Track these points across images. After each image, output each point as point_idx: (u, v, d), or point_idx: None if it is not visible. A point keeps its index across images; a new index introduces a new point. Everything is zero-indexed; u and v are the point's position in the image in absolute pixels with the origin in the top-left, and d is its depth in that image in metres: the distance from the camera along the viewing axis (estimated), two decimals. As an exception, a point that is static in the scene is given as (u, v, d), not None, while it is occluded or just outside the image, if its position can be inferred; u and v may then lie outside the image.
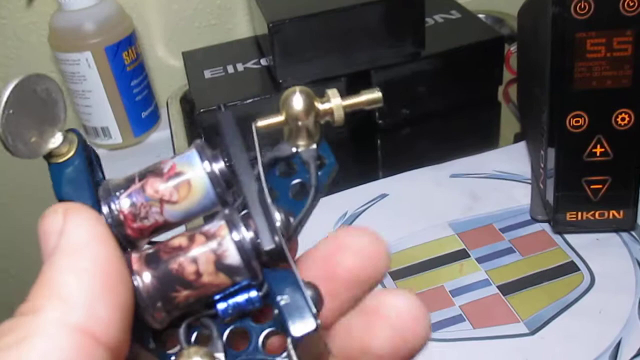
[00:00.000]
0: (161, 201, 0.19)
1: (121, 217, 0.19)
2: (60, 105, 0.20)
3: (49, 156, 0.20)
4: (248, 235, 0.18)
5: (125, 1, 0.65)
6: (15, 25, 0.68)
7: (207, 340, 0.20)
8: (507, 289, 0.43)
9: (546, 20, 0.43)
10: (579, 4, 0.41)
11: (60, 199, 0.20)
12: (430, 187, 0.52)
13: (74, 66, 0.61)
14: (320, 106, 0.21)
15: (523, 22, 0.55)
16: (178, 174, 0.19)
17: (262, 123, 0.21)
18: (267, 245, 0.18)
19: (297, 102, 0.21)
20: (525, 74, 0.57)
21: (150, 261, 0.19)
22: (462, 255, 0.46)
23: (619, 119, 0.43)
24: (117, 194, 0.19)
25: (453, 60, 0.60)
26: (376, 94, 0.22)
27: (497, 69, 0.62)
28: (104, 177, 0.21)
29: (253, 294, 0.19)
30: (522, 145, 0.56)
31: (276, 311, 0.18)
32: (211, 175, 0.19)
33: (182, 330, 0.19)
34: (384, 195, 0.52)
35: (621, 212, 0.45)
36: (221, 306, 0.19)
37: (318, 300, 0.18)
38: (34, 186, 0.80)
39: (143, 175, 0.20)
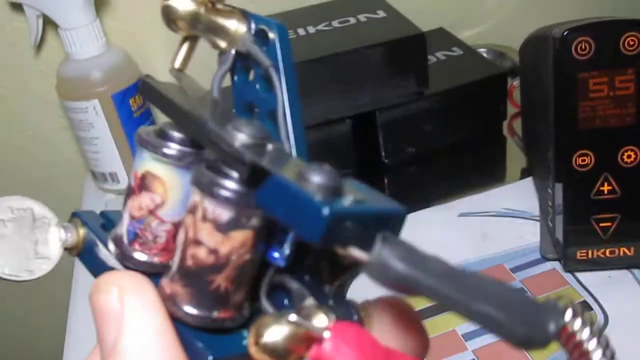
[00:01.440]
0: (152, 212, 0.18)
1: (140, 259, 0.18)
2: (36, 209, 0.19)
3: (71, 250, 0.20)
4: (222, 181, 0.16)
5: (131, 48, 0.66)
6: (24, 73, 0.69)
7: (300, 296, 0.18)
8: (520, 331, 0.42)
9: (548, 60, 0.43)
10: (580, 45, 0.42)
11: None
12: (439, 228, 0.52)
13: (82, 114, 0.61)
14: None
15: (524, 58, 0.56)
16: (143, 178, 0.18)
17: (176, 63, 0.19)
18: (240, 178, 0.16)
19: (177, 2, 0.18)
20: (528, 109, 0.57)
21: (174, 276, 0.17)
22: (473, 297, 0.45)
23: (624, 157, 0.43)
24: (128, 248, 0.18)
25: (457, 98, 0.61)
26: None
27: (501, 104, 0.62)
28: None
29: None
30: (529, 181, 0.56)
31: None
32: (165, 156, 0.18)
33: (265, 303, 0.18)
34: (392, 237, 0.52)
35: (632, 249, 0.45)
36: (277, 254, 0.17)
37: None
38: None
39: (124, 206, 0.19)
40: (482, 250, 0.49)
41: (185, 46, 0.19)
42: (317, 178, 0.15)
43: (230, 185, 0.16)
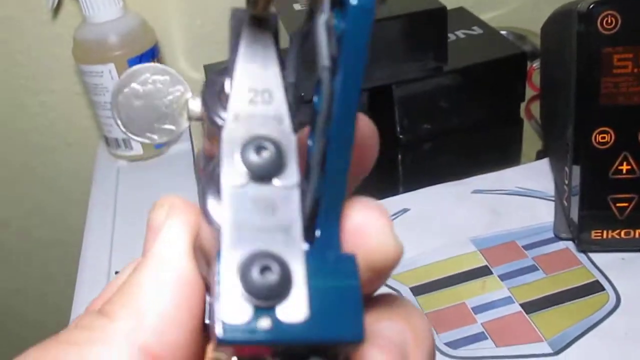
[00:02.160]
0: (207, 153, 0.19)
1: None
2: (173, 78, 0.19)
3: (198, 120, 0.19)
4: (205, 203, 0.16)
5: (148, 14, 0.66)
6: (41, 38, 0.69)
7: None
8: (530, 307, 0.42)
9: (571, 35, 0.42)
10: (606, 19, 0.41)
11: None
12: (452, 203, 0.51)
13: (97, 78, 0.61)
14: None
15: (546, 37, 0.55)
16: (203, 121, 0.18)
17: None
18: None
19: None
20: (548, 90, 0.57)
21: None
22: (484, 272, 0.45)
23: (646, 136, 0.42)
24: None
25: (475, 76, 0.60)
26: None
27: (519, 85, 0.61)
28: None
29: None
30: (544, 162, 0.55)
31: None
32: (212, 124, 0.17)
33: None
34: (405, 210, 0.51)
35: (648, 232, 0.44)
36: None
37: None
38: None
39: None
40: (495, 226, 0.49)
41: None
42: (254, 278, 0.14)
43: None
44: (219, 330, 0.13)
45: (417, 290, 0.44)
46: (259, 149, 0.15)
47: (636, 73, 0.41)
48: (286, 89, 0.16)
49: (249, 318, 0.14)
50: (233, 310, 0.13)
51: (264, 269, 0.14)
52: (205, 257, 0.17)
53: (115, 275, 0.52)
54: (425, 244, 0.47)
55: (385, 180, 0.58)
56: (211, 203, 0.15)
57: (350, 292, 0.14)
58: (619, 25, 0.40)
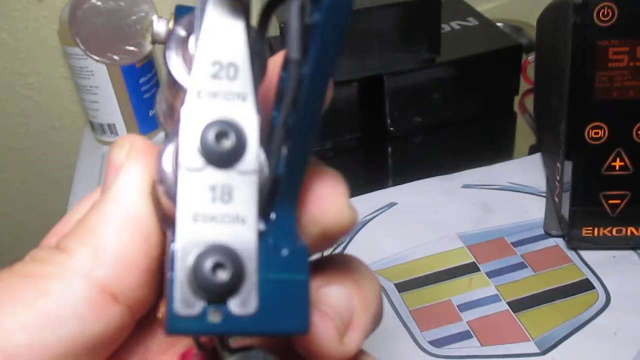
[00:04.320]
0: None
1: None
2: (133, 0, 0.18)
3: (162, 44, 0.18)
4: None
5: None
6: (27, 18, 0.67)
7: None
8: (517, 305, 0.41)
9: (567, 28, 0.41)
10: (602, 11, 0.40)
11: None
12: (441, 198, 0.50)
13: (83, 60, 0.60)
14: None
15: (542, 29, 0.54)
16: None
17: None
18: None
19: None
20: (543, 83, 0.55)
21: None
22: (471, 268, 0.44)
23: (640, 132, 0.41)
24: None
25: (469, 68, 0.59)
26: None
27: (514, 78, 0.60)
28: None
29: None
30: (537, 157, 0.54)
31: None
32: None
33: None
34: (392, 204, 0.50)
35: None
36: None
37: None
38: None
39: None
40: (484, 222, 0.47)
41: None
42: (206, 275, 0.14)
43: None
44: (168, 321, 0.14)
45: (402, 287, 0.43)
46: (219, 136, 0.14)
47: (632, 67, 0.40)
48: (252, 62, 0.15)
49: (200, 311, 0.14)
50: (184, 303, 0.14)
51: (217, 266, 0.14)
52: (160, 207, 0.16)
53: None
54: (411, 240, 0.46)
55: (375, 173, 0.57)
56: (167, 160, 0.15)
57: (299, 287, 0.15)
58: (615, 18, 0.39)
